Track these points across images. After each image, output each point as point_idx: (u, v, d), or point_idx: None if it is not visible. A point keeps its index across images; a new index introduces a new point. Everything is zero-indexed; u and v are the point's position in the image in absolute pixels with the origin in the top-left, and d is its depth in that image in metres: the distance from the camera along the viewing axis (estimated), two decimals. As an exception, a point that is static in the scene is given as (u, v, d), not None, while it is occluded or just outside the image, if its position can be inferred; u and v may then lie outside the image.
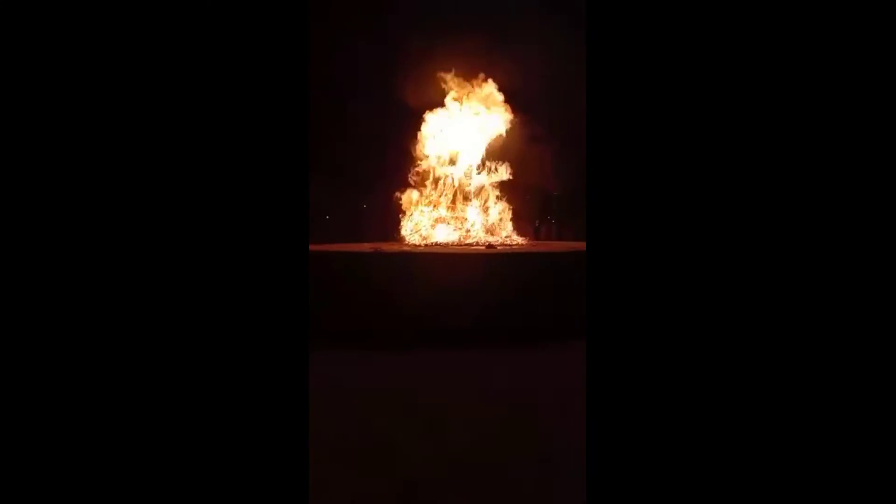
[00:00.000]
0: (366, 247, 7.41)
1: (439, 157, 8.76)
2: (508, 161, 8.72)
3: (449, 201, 8.73)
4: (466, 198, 8.84)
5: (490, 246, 7.60)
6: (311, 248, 7.57)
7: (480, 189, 8.84)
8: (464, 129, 8.59)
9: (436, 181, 8.75)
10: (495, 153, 8.82)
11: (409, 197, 8.69)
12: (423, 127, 8.65)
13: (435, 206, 8.66)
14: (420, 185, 8.83)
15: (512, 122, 8.53)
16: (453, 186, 8.79)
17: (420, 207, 8.72)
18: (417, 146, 8.65)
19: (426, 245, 7.87)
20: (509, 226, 8.58)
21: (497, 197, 8.81)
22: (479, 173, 8.62)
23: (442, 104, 8.57)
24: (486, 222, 8.56)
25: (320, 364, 4.70)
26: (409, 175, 8.82)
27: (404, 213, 8.71)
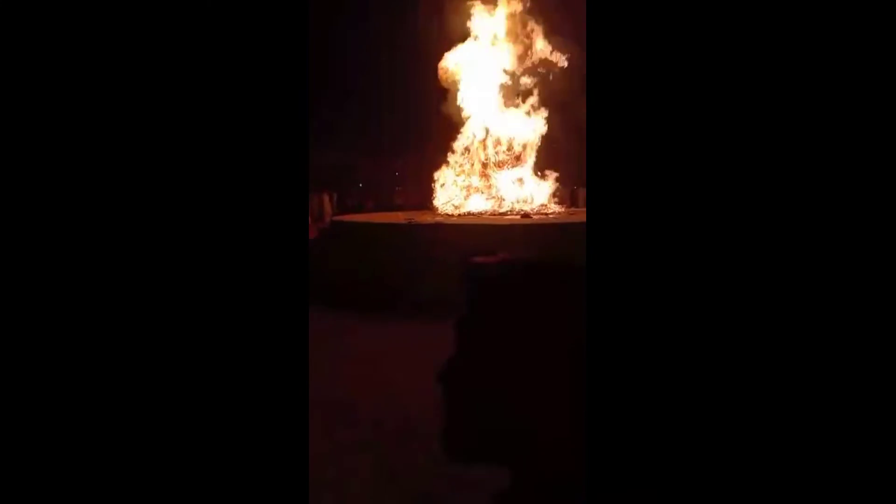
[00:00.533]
0: (400, 217, 7.37)
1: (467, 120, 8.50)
2: (547, 113, 8.33)
3: (480, 169, 8.53)
4: (500, 164, 8.61)
5: (525, 215, 7.43)
6: (346, 218, 7.60)
7: (514, 154, 8.59)
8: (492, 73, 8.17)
9: (467, 149, 8.56)
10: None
11: (442, 168, 8.56)
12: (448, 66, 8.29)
13: (467, 174, 8.49)
14: (452, 152, 8.66)
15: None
16: (484, 153, 8.57)
17: (452, 177, 8.57)
18: (445, 105, 8.41)
19: (459, 215, 7.76)
20: (546, 191, 8.31)
21: (534, 163, 8.55)
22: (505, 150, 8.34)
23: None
24: (521, 190, 8.36)
25: (350, 333, 4.74)
26: (441, 141, 8.66)
27: (436, 182, 8.58)
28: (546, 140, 8.60)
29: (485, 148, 8.63)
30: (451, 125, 8.65)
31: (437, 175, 8.66)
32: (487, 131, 8.55)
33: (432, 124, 8.77)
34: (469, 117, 8.56)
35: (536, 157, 8.64)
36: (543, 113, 8.42)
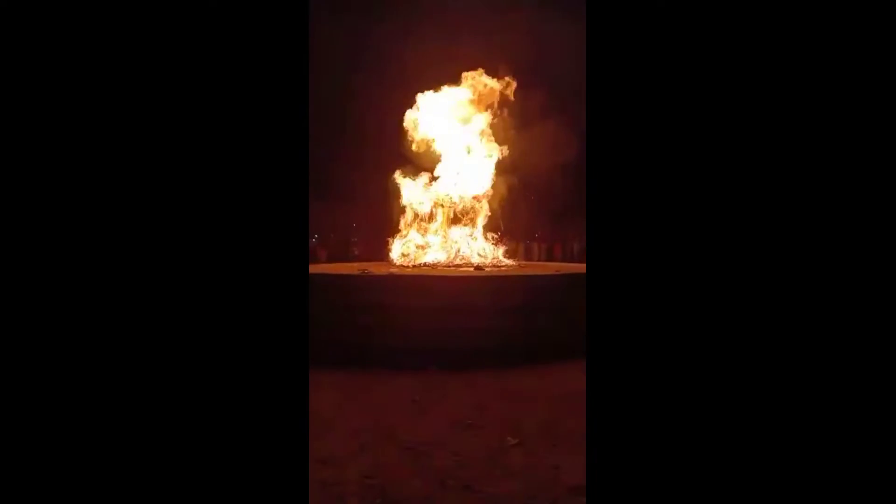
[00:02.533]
0: (354, 268, 7.41)
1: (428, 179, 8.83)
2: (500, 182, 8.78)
3: (438, 224, 8.78)
4: (456, 220, 8.90)
5: (478, 268, 7.63)
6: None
7: (469, 210, 8.89)
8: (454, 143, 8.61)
9: (419, 216, 8.82)
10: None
11: (399, 219, 8.74)
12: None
13: (424, 229, 8.71)
14: (407, 210, 8.89)
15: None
16: (441, 209, 8.85)
17: (408, 231, 8.76)
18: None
19: (414, 266, 7.87)
20: (492, 249, 8.62)
21: (486, 218, 8.87)
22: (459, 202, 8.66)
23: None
24: (474, 245, 8.60)
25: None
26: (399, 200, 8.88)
27: (393, 235, 8.74)
28: (499, 197, 8.99)
29: (441, 204, 8.90)
30: (408, 174, 8.92)
31: (395, 226, 8.83)
32: (444, 187, 8.86)
33: (389, 175, 9.01)
34: (424, 172, 8.88)
35: (490, 212, 8.98)
36: (494, 169, 8.82)
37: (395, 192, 8.95)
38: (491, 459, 3.32)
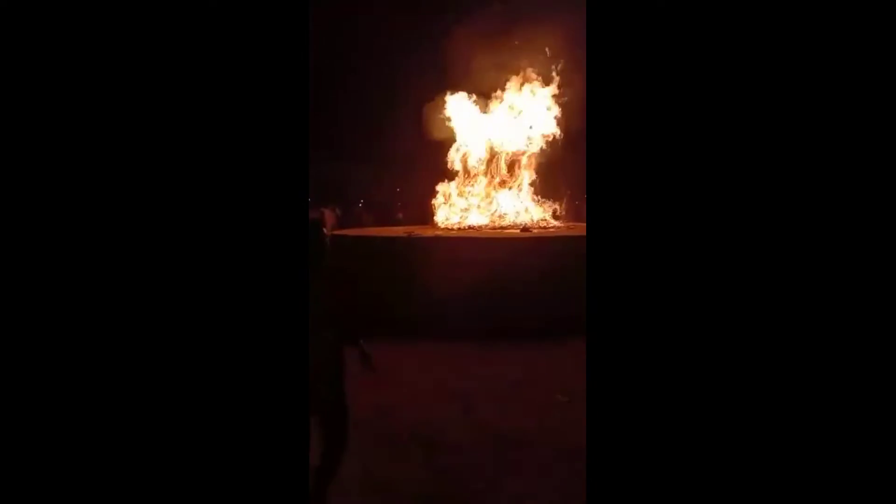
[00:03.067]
0: (400, 231, 7.44)
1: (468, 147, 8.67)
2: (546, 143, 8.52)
3: (484, 186, 8.65)
4: (502, 182, 8.74)
5: (525, 229, 7.50)
6: (347, 232, 7.68)
7: (514, 169, 8.71)
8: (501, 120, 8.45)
9: (466, 165, 8.68)
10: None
11: (445, 185, 8.66)
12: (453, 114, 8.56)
13: (467, 191, 8.61)
14: (454, 172, 8.79)
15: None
16: (488, 171, 8.70)
17: (453, 193, 8.68)
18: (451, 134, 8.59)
19: (460, 229, 7.83)
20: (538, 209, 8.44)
21: (531, 182, 8.68)
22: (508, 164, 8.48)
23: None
24: (520, 205, 8.45)
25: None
26: (445, 160, 8.77)
27: (438, 198, 8.70)
28: (546, 156, 8.74)
29: (486, 164, 8.76)
30: (450, 140, 8.80)
31: (437, 189, 8.77)
32: (491, 148, 8.69)
33: (432, 138, 8.92)
34: (466, 133, 8.72)
35: (537, 173, 8.76)
36: (543, 129, 8.55)
37: (440, 153, 8.87)
38: (542, 411, 3.32)
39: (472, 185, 8.62)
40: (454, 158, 8.65)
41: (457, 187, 8.58)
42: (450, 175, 8.70)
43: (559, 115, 8.43)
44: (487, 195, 8.49)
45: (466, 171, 8.59)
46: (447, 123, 8.52)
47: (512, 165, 8.61)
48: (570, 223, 8.61)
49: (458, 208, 8.42)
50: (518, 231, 7.24)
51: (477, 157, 8.58)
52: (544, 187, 8.83)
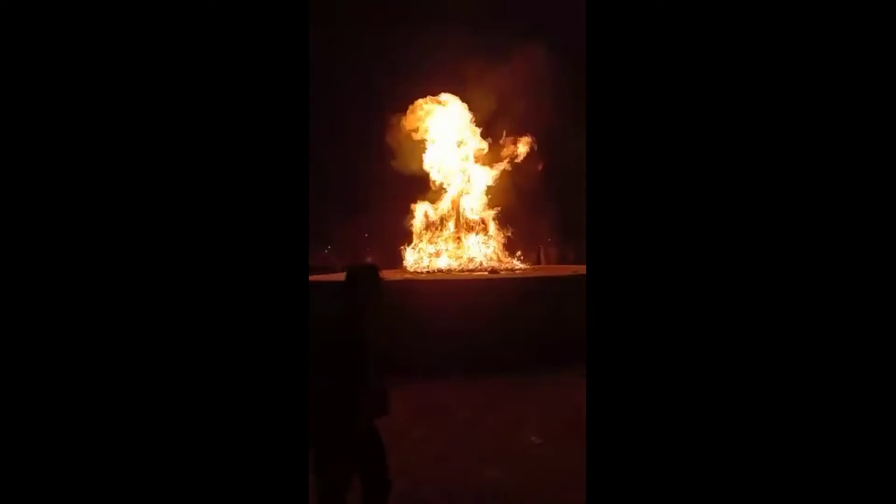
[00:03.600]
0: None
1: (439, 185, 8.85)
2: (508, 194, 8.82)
3: (452, 232, 8.79)
4: (470, 227, 8.91)
5: (493, 271, 7.60)
6: (314, 278, 7.60)
7: (481, 219, 8.92)
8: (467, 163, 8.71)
9: (435, 221, 8.86)
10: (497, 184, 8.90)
11: (411, 228, 8.77)
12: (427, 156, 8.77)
13: (435, 236, 8.72)
14: (420, 214, 8.91)
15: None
16: (455, 217, 8.87)
17: (422, 238, 8.77)
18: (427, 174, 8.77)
19: (428, 272, 7.86)
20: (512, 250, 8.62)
21: (497, 226, 8.88)
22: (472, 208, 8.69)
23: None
24: (487, 250, 8.60)
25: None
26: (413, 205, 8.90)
27: (406, 243, 8.77)
28: (511, 201, 9.00)
29: (454, 209, 8.92)
30: (417, 183, 8.97)
31: (408, 234, 8.86)
32: (459, 193, 8.88)
33: (399, 183, 9.07)
34: (437, 178, 8.90)
35: (502, 218, 8.99)
36: (507, 174, 8.84)
37: (407, 197, 8.99)
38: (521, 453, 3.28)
39: (441, 231, 8.76)
40: (420, 209, 8.83)
41: (423, 235, 8.72)
42: (416, 218, 8.84)
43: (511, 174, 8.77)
44: (456, 241, 8.63)
45: (430, 222, 8.79)
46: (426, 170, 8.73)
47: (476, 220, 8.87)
48: (536, 266, 8.78)
49: (426, 253, 8.50)
50: (486, 273, 7.33)
51: (444, 205, 8.80)
52: (509, 236, 9.07)
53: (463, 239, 8.75)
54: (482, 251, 8.56)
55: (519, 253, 8.86)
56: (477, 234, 8.86)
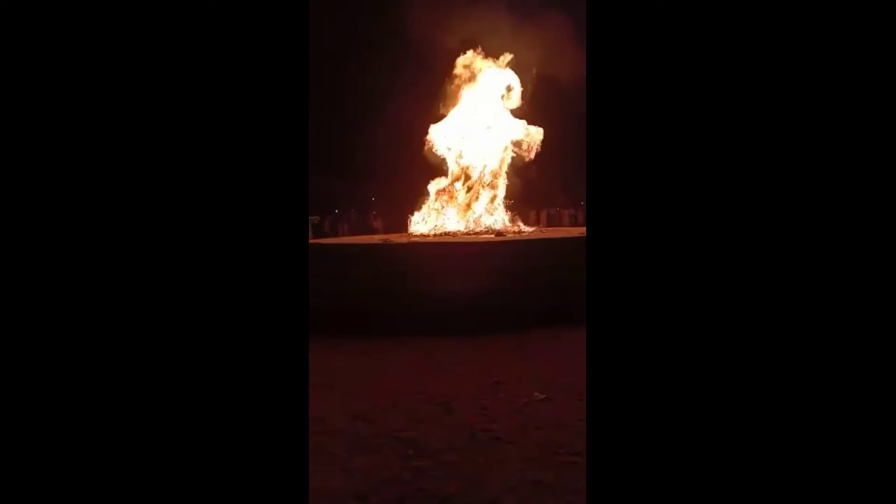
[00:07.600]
0: (375, 239, 7.47)
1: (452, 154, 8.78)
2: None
3: (456, 192, 8.77)
4: (476, 191, 8.89)
5: (499, 234, 7.63)
6: (322, 241, 7.67)
7: (491, 180, 8.86)
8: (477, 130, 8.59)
9: (443, 173, 8.79)
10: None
11: (424, 195, 8.76)
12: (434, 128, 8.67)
13: (449, 198, 8.71)
14: (427, 176, 8.88)
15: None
16: (461, 177, 8.83)
17: (427, 199, 8.76)
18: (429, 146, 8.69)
19: (435, 235, 7.90)
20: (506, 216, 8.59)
21: (505, 188, 8.84)
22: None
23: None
24: (494, 213, 8.59)
25: (337, 353, 4.78)
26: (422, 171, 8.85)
27: (413, 207, 8.78)
28: (518, 165, 8.93)
29: (461, 173, 8.88)
30: (424, 148, 8.90)
31: (415, 197, 8.86)
32: (461, 156, 8.81)
33: (405, 148, 8.98)
34: (442, 142, 8.83)
35: (509, 181, 8.93)
36: (515, 138, 8.73)
37: (414, 162, 8.93)
38: (519, 412, 3.38)
39: (448, 195, 8.74)
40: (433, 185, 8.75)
41: (430, 195, 8.70)
42: (423, 181, 8.82)
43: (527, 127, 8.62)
44: (463, 205, 8.62)
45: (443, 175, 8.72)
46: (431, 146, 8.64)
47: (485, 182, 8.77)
48: (542, 228, 8.77)
49: (433, 217, 8.51)
50: (492, 236, 7.36)
51: (452, 169, 8.74)
52: (516, 198, 9.01)
53: (468, 201, 8.73)
54: (491, 216, 8.56)
55: (532, 214, 8.82)
56: (486, 195, 8.82)
